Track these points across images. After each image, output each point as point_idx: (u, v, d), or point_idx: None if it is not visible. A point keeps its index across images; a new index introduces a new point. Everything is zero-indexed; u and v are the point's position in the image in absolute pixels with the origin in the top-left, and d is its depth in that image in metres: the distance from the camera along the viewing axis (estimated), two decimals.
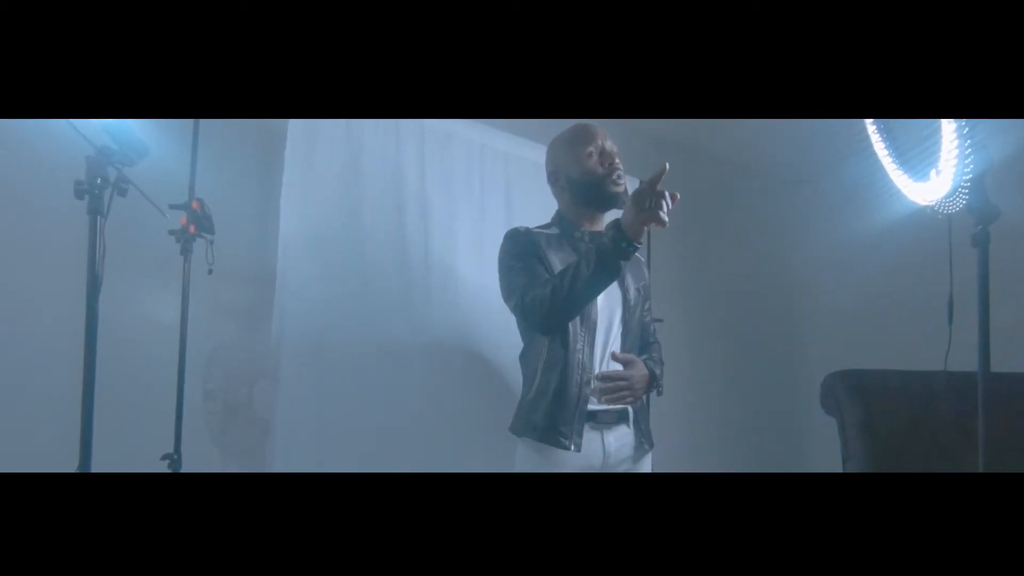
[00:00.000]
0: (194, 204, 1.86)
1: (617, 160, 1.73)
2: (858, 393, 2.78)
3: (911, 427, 2.69)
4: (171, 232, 1.85)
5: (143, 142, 1.37)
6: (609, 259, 1.45)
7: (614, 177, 1.70)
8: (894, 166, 1.59)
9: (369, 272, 2.16)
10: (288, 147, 2.06)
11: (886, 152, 1.61)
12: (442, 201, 2.32)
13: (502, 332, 2.01)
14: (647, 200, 1.38)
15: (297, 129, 2.09)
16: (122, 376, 1.85)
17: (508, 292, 1.70)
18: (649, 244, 2.84)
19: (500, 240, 2.39)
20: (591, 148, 1.72)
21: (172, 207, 1.86)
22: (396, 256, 2.21)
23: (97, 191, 1.27)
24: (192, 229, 1.84)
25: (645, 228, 1.43)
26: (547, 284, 1.57)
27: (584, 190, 1.73)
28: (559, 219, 1.81)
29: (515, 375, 2.10)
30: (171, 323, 1.87)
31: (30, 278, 2.03)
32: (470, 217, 2.39)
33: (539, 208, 2.52)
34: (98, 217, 1.27)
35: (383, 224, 2.21)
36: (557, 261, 1.67)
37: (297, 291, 2.05)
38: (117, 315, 1.95)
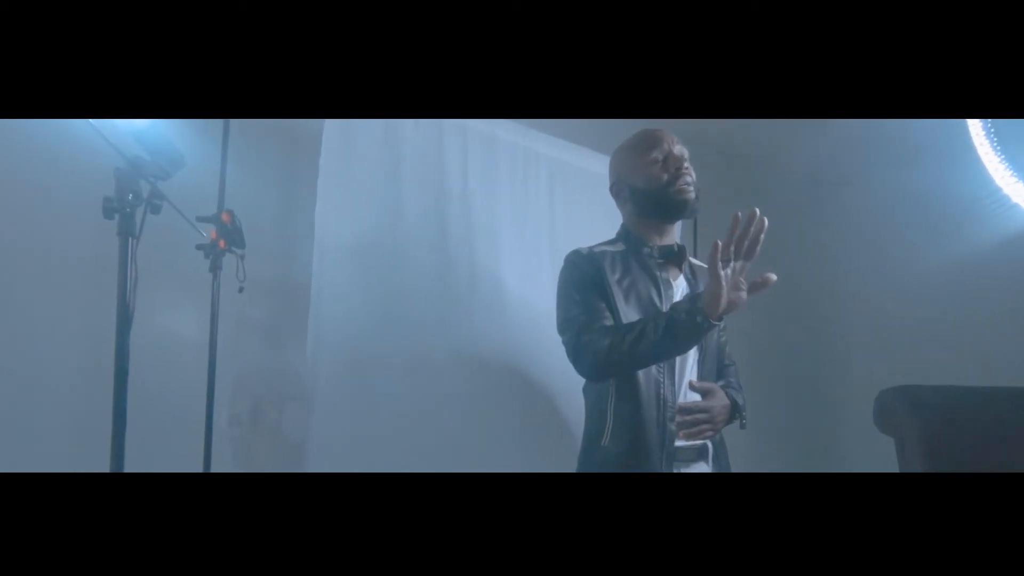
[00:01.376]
0: (224, 216, 1.71)
1: (686, 164, 1.57)
2: (920, 411, 2.62)
3: (980, 448, 2.53)
4: (199, 246, 1.71)
5: (178, 151, 1.21)
6: (680, 334, 1.32)
7: (680, 184, 1.54)
8: (1004, 169, 1.45)
9: (409, 285, 2.00)
10: (323, 152, 1.90)
11: (994, 154, 1.47)
12: (485, 208, 2.17)
13: (554, 352, 1.85)
14: (727, 261, 1.26)
15: (333, 133, 1.93)
16: (148, 400, 1.72)
17: (563, 325, 1.55)
18: (695, 243, 2.69)
19: (542, 250, 2.31)
20: (656, 154, 1.57)
21: (200, 220, 1.72)
22: (438, 267, 2.06)
23: (128, 209, 1.12)
24: (222, 244, 1.69)
25: (728, 309, 1.29)
26: (606, 334, 1.43)
27: (648, 200, 1.57)
28: (624, 234, 1.65)
29: (569, 400, 1.96)
30: (198, 343, 1.72)
31: (57, 303, 1.87)
32: (513, 224, 2.23)
33: (581, 215, 2.38)
34: (130, 239, 1.11)
35: (424, 233, 2.05)
36: (622, 288, 1.52)
37: (333, 306, 1.90)
38: (142, 335, 1.83)
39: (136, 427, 1.31)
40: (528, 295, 2.17)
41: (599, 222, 2.42)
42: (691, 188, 1.55)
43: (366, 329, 1.93)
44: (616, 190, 1.67)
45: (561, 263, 2.26)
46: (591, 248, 1.60)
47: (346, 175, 1.95)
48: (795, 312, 3.75)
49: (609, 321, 1.49)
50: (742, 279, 1.30)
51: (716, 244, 1.25)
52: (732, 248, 1.27)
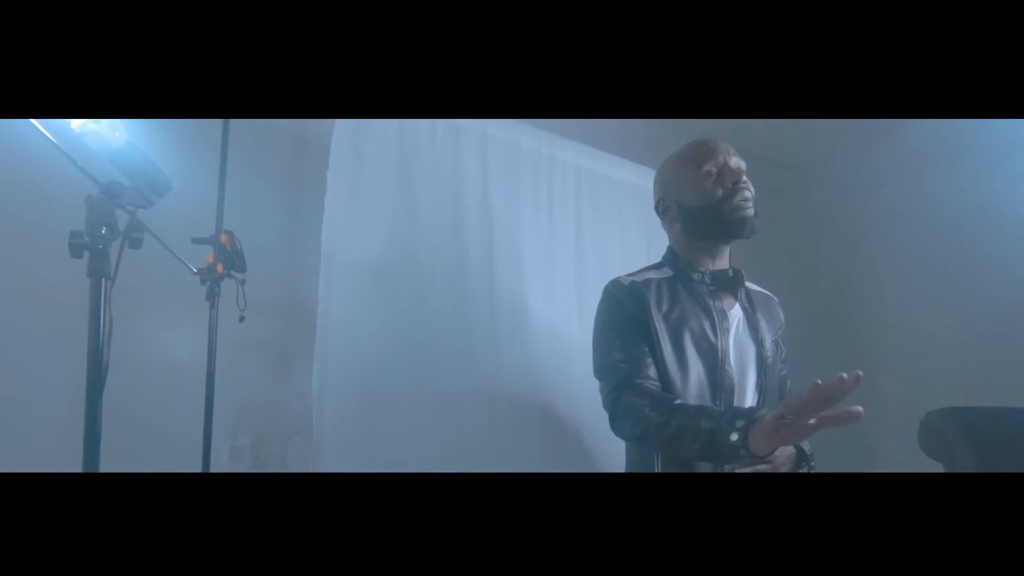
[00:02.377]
0: (223, 238, 1.55)
1: (744, 178, 1.38)
2: (972, 434, 2.44)
3: None
4: (196, 271, 1.55)
5: (162, 173, 1.04)
6: (717, 455, 1.12)
7: (737, 200, 1.35)
8: None
9: (425, 310, 1.83)
10: (332, 164, 1.74)
11: None
12: (506, 224, 1.99)
13: (583, 384, 1.67)
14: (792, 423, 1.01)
15: (342, 143, 1.76)
16: (143, 436, 1.57)
17: (602, 371, 1.37)
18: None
19: (568, 269, 2.11)
20: (709, 166, 1.38)
21: (196, 242, 1.56)
22: (456, 290, 1.89)
23: (101, 245, 0.95)
24: (220, 268, 1.53)
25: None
26: (652, 403, 1.23)
27: (700, 218, 1.38)
28: (671, 257, 1.47)
29: (598, 436, 1.78)
30: (196, 375, 1.56)
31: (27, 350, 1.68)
32: (536, 241, 2.05)
33: (612, 230, 2.21)
34: (103, 281, 0.94)
35: (441, 252, 1.88)
36: (671, 323, 1.34)
37: (342, 332, 1.72)
38: (136, 367, 1.67)
39: (131, 464, 1.16)
40: (554, 320, 2.00)
41: (631, 238, 2.26)
42: (750, 204, 1.36)
43: (378, 358, 1.76)
44: (663, 207, 1.48)
45: (589, 284, 2.12)
46: (632, 277, 1.42)
47: (355, 189, 1.78)
48: (823, 319, 3.56)
49: (654, 371, 1.31)
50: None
51: (815, 386, 0.98)
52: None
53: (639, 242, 2.24)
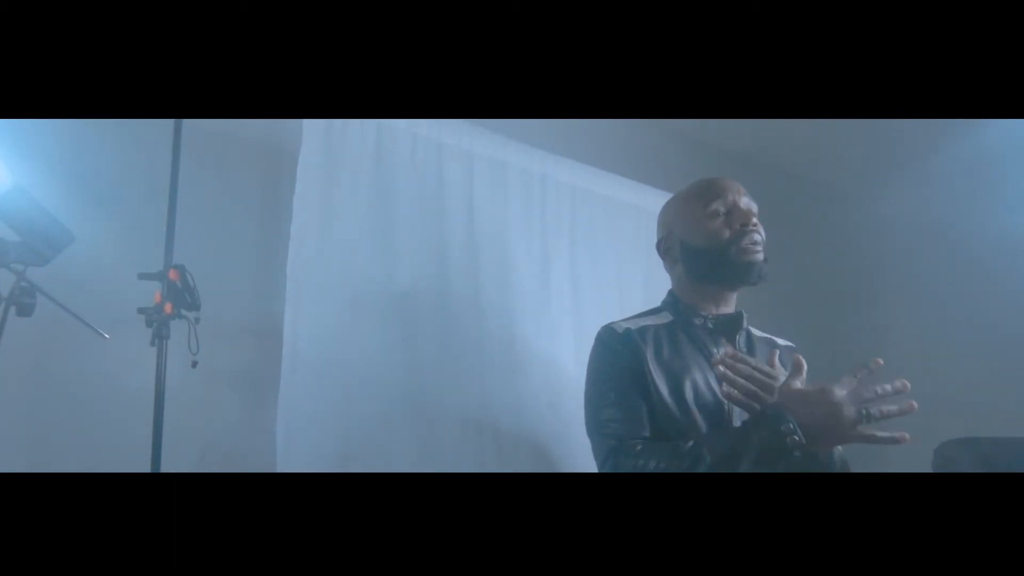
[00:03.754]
0: (171, 274, 1.37)
1: (755, 220, 1.25)
2: (989, 466, 2.30)
3: None
4: (140, 311, 1.37)
5: (60, 224, 0.87)
6: (764, 459, 1.03)
7: (746, 243, 1.23)
8: None
9: (405, 343, 1.66)
10: (298, 189, 1.57)
11: None
12: (494, 249, 1.82)
13: (574, 423, 1.51)
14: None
15: (311, 160, 1.60)
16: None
17: (594, 427, 1.23)
18: None
19: (563, 298, 1.92)
20: (718, 206, 1.26)
21: (142, 277, 1.39)
22: (440, 321, 1.72)
23: None
24: (168, 308, 1.36)
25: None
26: (650, 455, 1.11)
27: (706, 260, 1.26)
28: (671, 301, 1.33)
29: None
30: (142, 429, 1.38)
31: None
32: (527, 267, 1.88)
33: (608, 254, 2.04)
34: None
35: (423, 280, 1.71)
36: (671, 375, 1.20)
37: (310, 370, 1.55)
38: (74, 414, 1.50)
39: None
40: (547, 351, 1.83)
41: (628, 261, 2.09)
42: (759, 249, 1.24)
43: (351, 397, 1.59)
44: (665, 247, 1.35)
45: (585, 311, 1.95)
46: (628, 324, 1.27)
47: (326, 213, 1.62)
48: (826, 330, 3.41)
49: (648, 430, 1.16)
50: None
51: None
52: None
53: (637, 266, 2.07)
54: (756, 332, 1.36)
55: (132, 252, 1.45)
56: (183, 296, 1.39)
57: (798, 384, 1.07)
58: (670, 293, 1.35)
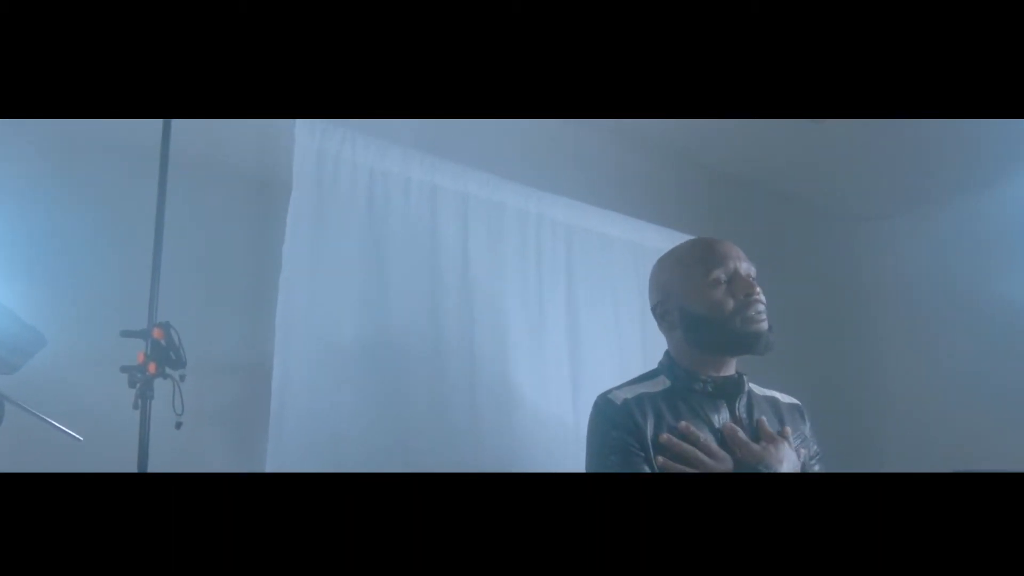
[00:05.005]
0: (156, 332, 1.32)
1: (757, 288, 1.22)
2: None
3: None
4: (123, 369, 1.32)
5: (30, 328, 0.82)
6: None
7: (751, 312, 1.20)
8: None
9: (398, 393, 1.62)
10: (288, 236, 1.52)
11: None
12: (489, 294, 1.78)
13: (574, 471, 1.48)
14: None
15: (302, 200, 1.55)
16: None
17: None
18: None
19: (559, 343, 1.88)
20: (719, 273, 1.22)
21: (125, 335, 1.33)
22: (433, 370, 1.67)
23: None
24: (152, 368, 1.31)
25: None
26: None
27: (707, 330, 1.22)
28: (669, 365, 1.29)
29: None
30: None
31: None
32: (523, 311, 1.84)
33: (605, 294, 2.00)
34: None
35: (416, 329, 1.67)
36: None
37: (300, 424, 1.51)
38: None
39: None
40: (543, 401, 1.79)
41: (626, 302, 2.05)
42: (764, 317, 1.20)
43: (342, 451, 1.54)
44: (661, 311, 1.30)
45: (582, 358, 1.91)
46: (625, 394, 1.23)
47: (316, 259, 1.57)
48: (826, 353, 3.40)
49: None
50: None
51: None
52: None
53: (634, 305, 2.04)
54: (757, 391, 1.33)
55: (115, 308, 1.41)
56: (167, 354, 1.34)
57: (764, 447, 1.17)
58: (667, 355, 1.31)
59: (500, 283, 1.80)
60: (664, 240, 2.17)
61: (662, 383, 1.26)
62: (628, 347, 1.98)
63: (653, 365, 1.32)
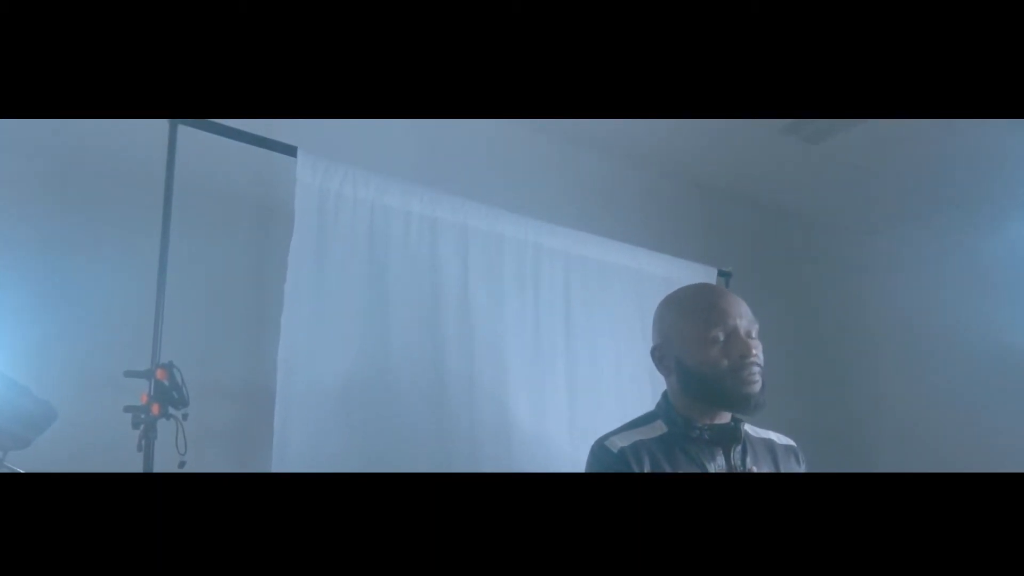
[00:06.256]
0: (159, 373, 1.34)
1: (754, 352, 1.21)
2: None
3: None
4: (127, 409, 1.33)
5: (42, 403, 0.83)
6: None
7: (745, 375, 1.20)
8: None
9: (396, 427, 1.63)
10: (289, 276, 1.54)
11: None
12: (489, 326, 1.79)
13: None
14: None
15: (304, 236, 1.57)
16: None
17: None
18: None
19: (557, 372, 1.89)
20: (717, 331, 1.21)
21: (128, 375, 1.35)
22: (432, 402, 1.69)
23: None
24: (156, 409, 1.32)
25: None
26: None
27: (700, 385, 1.23)
28: (666, 409, 1.29)
29: None
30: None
31: None
32: (523, 344, 1.85)
33: (603, 322, 2.00)
34: None
35: (414, 361, 1.68)
36: None
37: (301, 460, 1.52)
38: None
39: None
40: (541, 431, 1.80)
41: (625, 330, 2.06)
42: (757, 379, 1.20)
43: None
44: (659, 355, 1.31)
45: (580, 388, 1.92)
46: (622, 442, 1.23)
47: (319, 295, 1.58)
48: (818, 366, 3.42)
49: None
50: None
51: None
52: None
53: (633, 332, 2.05)
54: (753, 433, 1.33)
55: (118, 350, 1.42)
56: (170, 394, 1.36)
57: None
58: (664, 397, 1.31)
59: (499, 313, 1.81)
60: (662, 266, 2.20)
61: (659, 428, 1.26)
62: (626, 375, 1.99)
63: (650, 394, 1.33)
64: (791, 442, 1.38)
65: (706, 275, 2.30)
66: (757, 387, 1.19)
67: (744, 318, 1.23)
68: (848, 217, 3.53)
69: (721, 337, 1.21)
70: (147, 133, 1.53)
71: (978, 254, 3.12)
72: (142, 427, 1.32)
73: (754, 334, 1.24)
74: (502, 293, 1.84)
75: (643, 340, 2.06)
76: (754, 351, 1.20)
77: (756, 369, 1.20)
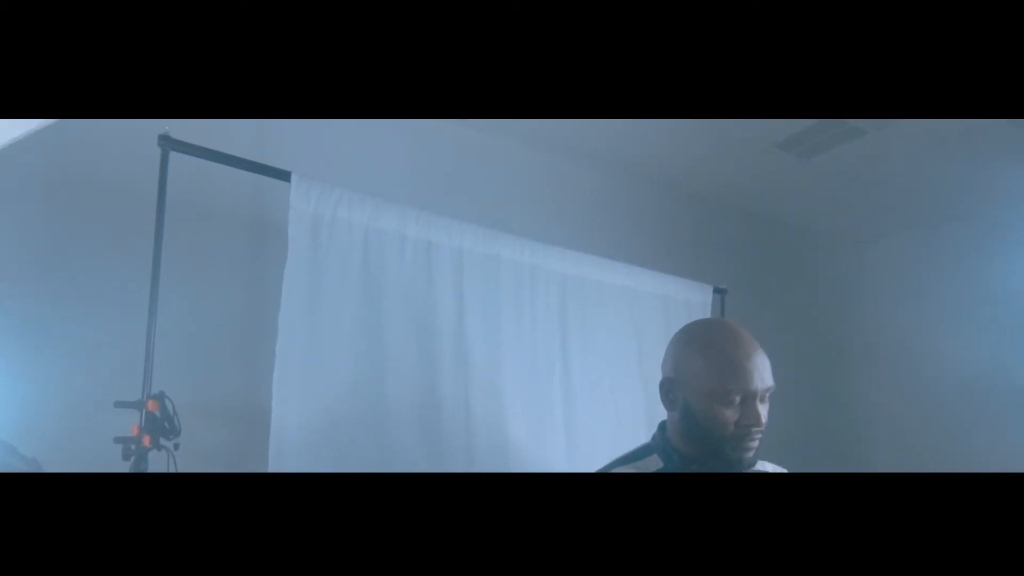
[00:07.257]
0: (150, 405, 1.32)
1: (764, 418, 1.19)
2: None
3: None
4: (117, 440, 1.32)
5: (29, 461, 0.82)
6: None
7: (746, 443, 1.18)
8: None
9: (393, 452, 1.62)
10: (284, 303, 1.52)
11: None
12: (485, 350, 1.78)
13: None
14: None
15: (298, 261, 1.56)
16: None
17: None
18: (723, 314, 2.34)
19: (554, 396, 1.88)
20: (735, 394, 1.18)
21: (119, 406, 1.33)
22: (428, 428, 1.68)
23: None
24: (147, 441, 1.30)
25: None
26: None
27: (701, 436, 1.20)
28: (662, 443, 1.26)
29: None
30: None
31: None
32: (520, 366, 1.84)
33: (600, 343, 1.99)
34: None
35: (410, 386, 1.67)
36: None
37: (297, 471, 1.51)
38: None
39: None
40: (538, 457, 1.79)
41: (621, 349, 2.05)
42: (755, 445, 1.19)
43: None
44: (668, 388, 1.26)
45: (577, 411, 1.90)
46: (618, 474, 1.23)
47: (313, 320, 1.57)
48: (813, 379, 3.41)
49: None
50: None
51: None
52: None
53: (630, 351, 2.05)
54: (759, 467, 1.33)
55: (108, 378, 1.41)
56: (162, 425, 1.34)
57: None
58: (661, 429, 1.29)
59: (495, 338, 1.80)
60: (658, 285, 2.19)
61: (654, 463, 1.24)
62: (622, 395, 1.99)
63: (644, 418, 1.31)
64: (782, 469, 1.37)
65: (702, 293, 2.29)
66: (752, 452, 1.18)
67: (765, 381, 1.19)
68: (843, 230, 3.55)
69: (737, 400, 1.17)
70: (138, 158, 1.52)
71: (973, 267, 3.13)
72: (132, 459, 1.31)
73: (767, 397, 1.21)
74: (498, 317, 1.83)
75: (638, 362, 2.07)
76: (763, 419, 1.18)
77: (758, 439, 1.18)
